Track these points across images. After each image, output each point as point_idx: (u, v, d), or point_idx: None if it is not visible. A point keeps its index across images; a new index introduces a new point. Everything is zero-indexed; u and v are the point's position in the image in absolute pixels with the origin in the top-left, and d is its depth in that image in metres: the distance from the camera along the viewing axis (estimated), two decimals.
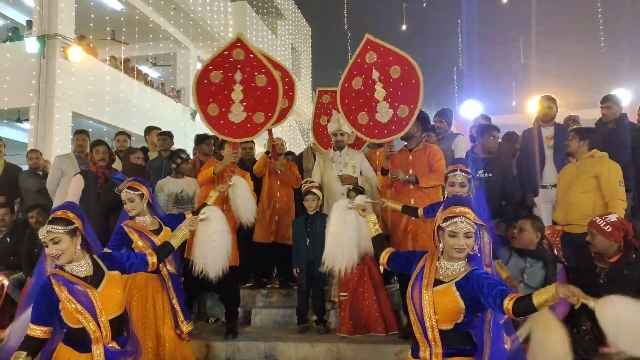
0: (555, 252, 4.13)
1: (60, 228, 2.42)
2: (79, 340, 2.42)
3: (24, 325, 2.54)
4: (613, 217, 3.54)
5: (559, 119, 5.38)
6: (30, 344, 2.38)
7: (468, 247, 2.30)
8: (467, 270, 2.33)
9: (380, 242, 2.81)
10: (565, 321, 3.37)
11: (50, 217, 2.46)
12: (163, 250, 2.98)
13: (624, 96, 12.71)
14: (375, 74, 4.21)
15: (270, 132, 4.85)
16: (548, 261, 3.54)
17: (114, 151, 5.58)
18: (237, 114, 4.40)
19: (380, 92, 4.20)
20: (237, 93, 4.39)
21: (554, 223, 4.50)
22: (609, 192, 4.06)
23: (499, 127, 5.14)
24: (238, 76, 4.39)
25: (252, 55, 4.40)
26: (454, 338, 2.30)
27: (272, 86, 4.38)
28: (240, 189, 4.09)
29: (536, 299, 2.04)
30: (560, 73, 17.81)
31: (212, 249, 3.34)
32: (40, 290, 2.42)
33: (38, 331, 2.37)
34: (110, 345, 2.47)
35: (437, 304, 2.29)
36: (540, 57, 19.97)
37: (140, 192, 3.48)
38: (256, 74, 4.38)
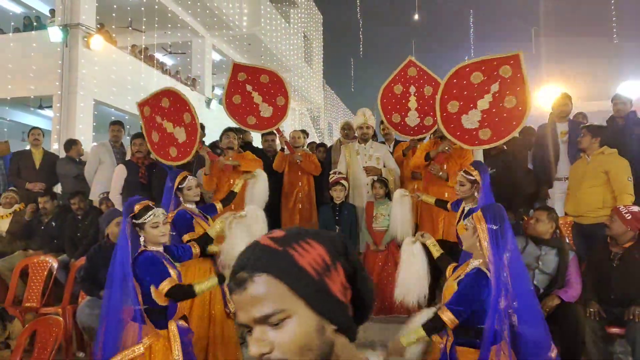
0: (567, 241, 4.42)
1: (164, 213, 2.73)
2: (158, 319, 2.67)
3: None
4: (635, 208, 3.80)
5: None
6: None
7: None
8: (473, 268, 2.54)
9: (445, 261, 2.95)
10: (576, 304, 3.71)
11: (146, 205, 2.70)
12: (202, 241, 3.22)
13: (635, 88, 12.78)
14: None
15: (278, 130, 5.53)
16: (561, 249, 3.82)
17: None
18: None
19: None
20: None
21: (566, 214, 4.78)
22: (618, 187, 4.31)
23: None
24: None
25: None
26: (460, 331, 2.53)
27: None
28: (260, 182, 4.53)
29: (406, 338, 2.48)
30: (571, 64, 17.85)
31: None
32: (155, 260, 2.66)
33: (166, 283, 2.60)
34: (180, 322, 2.76)
35: (444, 299, 2.56)
36: (551, 47, 20.00)
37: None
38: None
